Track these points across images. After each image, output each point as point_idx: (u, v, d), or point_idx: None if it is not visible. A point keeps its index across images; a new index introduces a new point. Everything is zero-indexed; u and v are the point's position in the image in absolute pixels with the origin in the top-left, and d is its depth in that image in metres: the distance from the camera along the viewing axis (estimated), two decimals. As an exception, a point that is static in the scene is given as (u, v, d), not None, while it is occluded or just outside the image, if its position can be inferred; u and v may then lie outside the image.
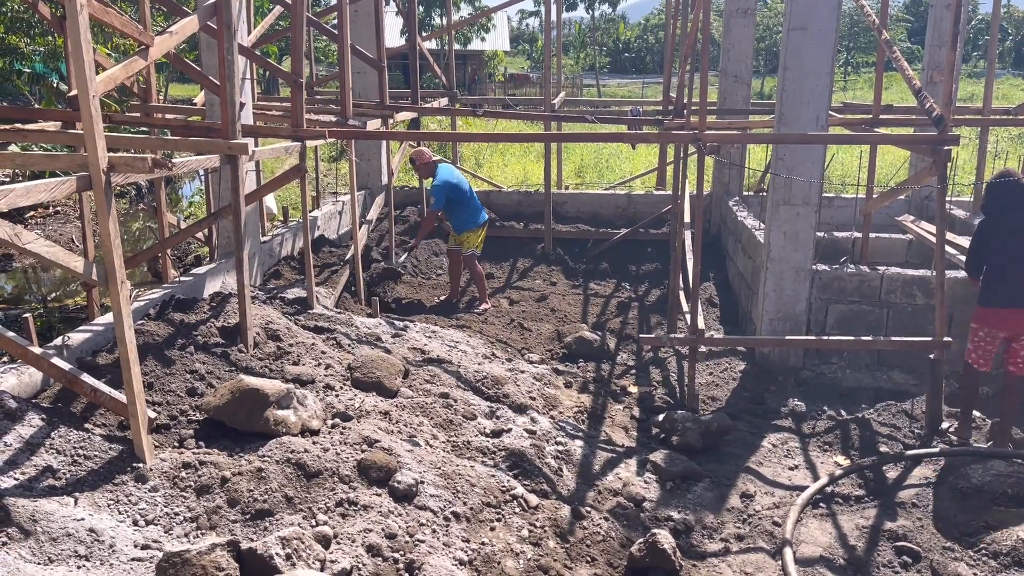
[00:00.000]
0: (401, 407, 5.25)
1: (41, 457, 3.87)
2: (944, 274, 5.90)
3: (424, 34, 21.27)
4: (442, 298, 8.71)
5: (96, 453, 4.02)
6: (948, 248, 6.77)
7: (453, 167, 8.82)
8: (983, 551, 4.27)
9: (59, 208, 13.14)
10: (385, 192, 9.63)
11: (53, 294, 9.73)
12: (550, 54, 11.67)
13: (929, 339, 5.98)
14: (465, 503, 4.25)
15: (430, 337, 6.87)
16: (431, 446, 4.83)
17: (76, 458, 3.95)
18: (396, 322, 7.15)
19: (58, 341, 4.89)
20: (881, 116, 8.19)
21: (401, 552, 3.72)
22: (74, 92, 5.61)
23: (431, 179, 8.48)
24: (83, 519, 3.50)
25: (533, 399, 5.98)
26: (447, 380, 5.90)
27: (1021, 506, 4.53)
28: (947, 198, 5.97)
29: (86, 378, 4.19)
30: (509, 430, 5.27)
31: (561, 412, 5.95)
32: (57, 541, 3.36)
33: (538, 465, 4.94)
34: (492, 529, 4.17)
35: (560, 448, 5.28)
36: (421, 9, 33.08)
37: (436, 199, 8.34)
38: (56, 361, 4.18)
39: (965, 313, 6.70)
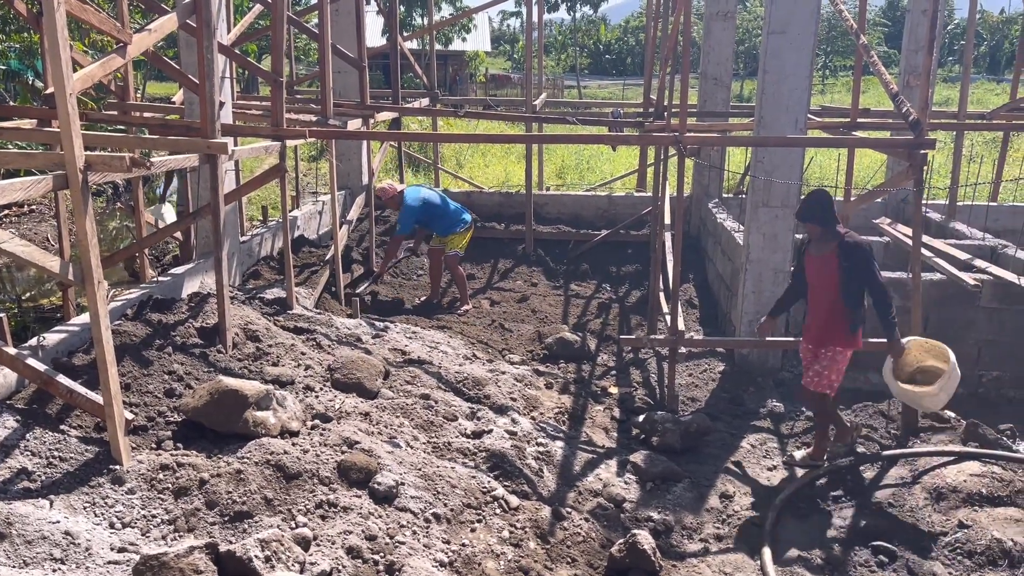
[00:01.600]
0: (381, 408, 5.23)
1: (16, 459, 3.82)
2: (920, 276, 5.96)
3: (405, 34, 21.21)
4: (423, 298, 8.69)
5: (72, 455, 3.97)
6: (924, 251, 6.85)
7: (419, 187, 8.79)
8: (958, 550, 4.33)
9: (34, 207, 12.97)
10: (365, 192, 9.59)
11: (28, 294, 9.60)
12: (531, 55, 11.68)
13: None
14: (446, 504, 4.25)
15: (411, 338, 6.86)
16: (412, 447, 4.82)
17: (52, 460, 3.90)
18: (376, 323, 7.12)
19: (33, 342, 4.82)
20: (859, 120, 8.28)
21: (381, 554, 3.70)
22: (50, 90, 5.55)
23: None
24: (59, 522, 3.46)
25: (514, 400, 5.98)
26: (428, 381, 5.89)
27: (995, 506, 4.60)
28: (923, 201, 6.04)
29: (62, 379, 4.15)
30: (490, 431, 5.27)
31: (542, 413, 5.96)
32: (32, 544, 3.31)
33: (519, 466, 4.94)
34: (473, 530, 4.17)
35: (541, 449, 5.28)
36: (402, 9, 33.00)
37: (401, 225, 8.40)
38: (31, 362, 4.13)
39: (941, 315, 6.79)
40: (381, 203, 10.94)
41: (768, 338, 6.73)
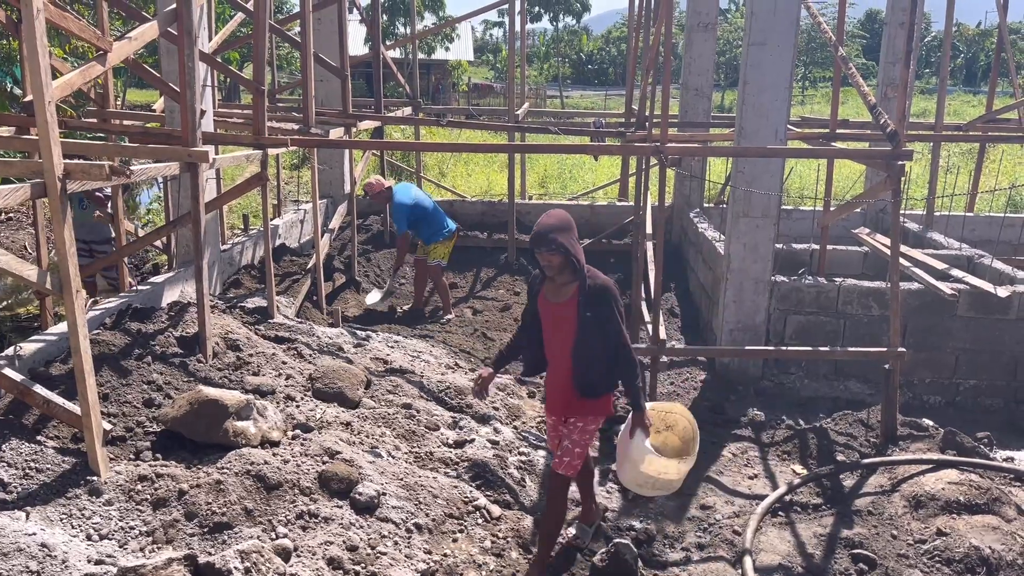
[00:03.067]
0: (363, 418, 5.21)
1: (-9, 470, 3.76)
2: (899, 286, 6.02)
3: (388, 43, 21.23)
4: (406, 308, 8.67)
5: (48, 466, 3.93)
6: (902, 260, 6.92)
7: (410, 186, 8.80)
8: (937, 558, 4.36)
9: (12, 215, 12.83)
10: (348, 201, 9.57)
11: (4, 302, 9.48)
12: (514, 65, 11.73)
13: (884, 349, 6.10)
14: (427, 514, 4.23)
15: (393, 347, 6.84)
16: (393, 457, 4.80)
17: (28, 471, 3.85)
18: (358, 332, 7.09)
19: (10, 351, 4.76)
20: (838, 131, 8.37)
21: (363, 564, 3.68)
22: (29, 97, 5.50)
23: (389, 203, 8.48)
24: (35, 534, 3.41)
25: (496, 409, 5.98)
26: (410, 390, 5.87)
27: (973, 513, 4.64)
28: (901, 211, 6.11)
29: (39, 389, 4.10)
30: (472, 440, 5.26)
31: (524, 422, 5.96)
32: (8, 556, 3.27)
33: (501, 476, 4.93)
34: (454, 540, 4.16)
35: (523, 458, 5.28)
36: (385, 18, 33.02)
37: (398, 224, 8.38)
38: (7, 372, 4.08)
39: (919, 324, 6.87)
40: (365, 208, 10.92)
41: (747, 347, 6.79)
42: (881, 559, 4.43)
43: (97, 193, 7.05)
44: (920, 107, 31.22)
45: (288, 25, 11.06)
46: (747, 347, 6.85)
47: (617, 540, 4.34)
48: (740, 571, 4.40)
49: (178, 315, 5.81)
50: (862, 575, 4.37)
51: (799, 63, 46.50)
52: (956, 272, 7.16)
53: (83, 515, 3.68)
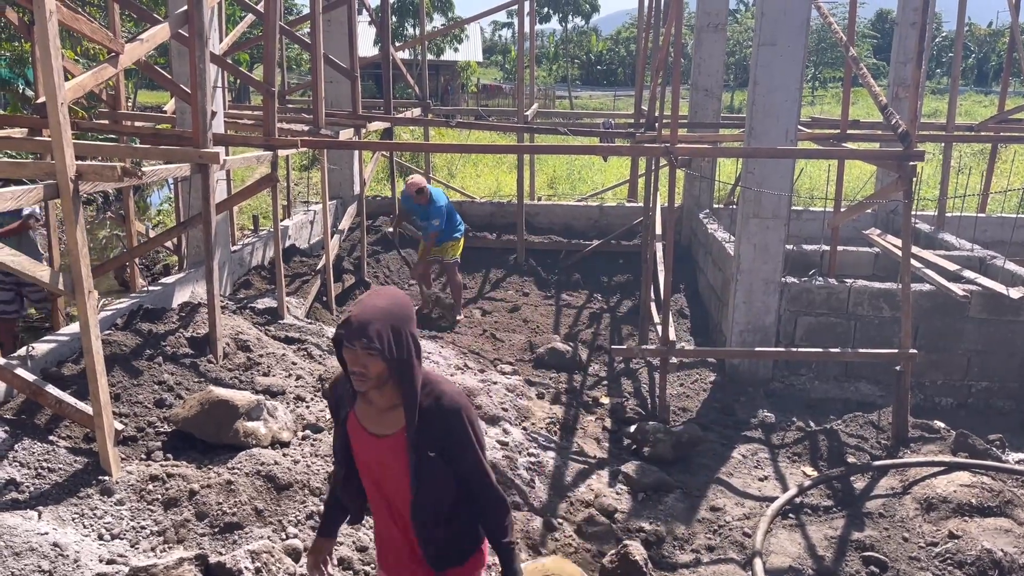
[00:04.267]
0: (373, 418, 5.21)
1: (4, 470, 3.79)
2: (910, 287, 5.99)
3: (397, 44, 21.25)
4: (414, 308, 8.67)
5: (61, 466, 3.95)
6: (914, 261, 6.89)
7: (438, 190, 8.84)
8: (948, 561, 4.34)
9: (24, 215, 12.88)
10: (357, 202, 9.59)
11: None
12: (523, 66, 11.72)
13: (895, 351, 6.08)
14: (437, 515, 4.23)
15: (402, 348, 6.84)
16: (403, 458, 4.80)
17: (40, 471, 3.87)
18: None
19: (22, 351, 4.80)
20: (848, 131, 8.33)
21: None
22: (42, 99, 5.53)
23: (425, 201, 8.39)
24: (47, 533, 3.43)
25: (505, 410, 5.97)
26: (419, 391, 5.87)
27: (985, 516, 4.61)
28: (912, 212, 6.08)
29: (51, 389, 4.12)
30: (481, 441, 5.25)
31: (533, 423, 5.96)
32: (20, 556, 3.29)
33: (510, 477, 4.93)
34: (464, 541, 4.15)
35: (532, 459, 5.28)
36: (394, 19, 33.06)
37: (440, 220, 8.30)
38: (20, 372, 4.11)
39: (930, 325, 6.83)
40: (375, 209, 10.94)
41: (757, 348, 6.77)
42: (892, 562, 4.41)
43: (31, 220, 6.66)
44: (931, 107, 31.09)
45: (298, 26, 11.10)
46: (757, 348, 6.83)
47: (627, 541, 4.33)
48: (750, 573, 4.39)
49: (189, 316, 5.84)
50: (873, 578, 4.35)
51: (809, 63, 46.34)
52: (968, 273, 7.12)
53: (95, 515, 3.70)
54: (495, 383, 6.45)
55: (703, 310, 8.96)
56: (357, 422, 2.52)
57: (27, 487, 3.75)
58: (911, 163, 5.84)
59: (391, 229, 10.17)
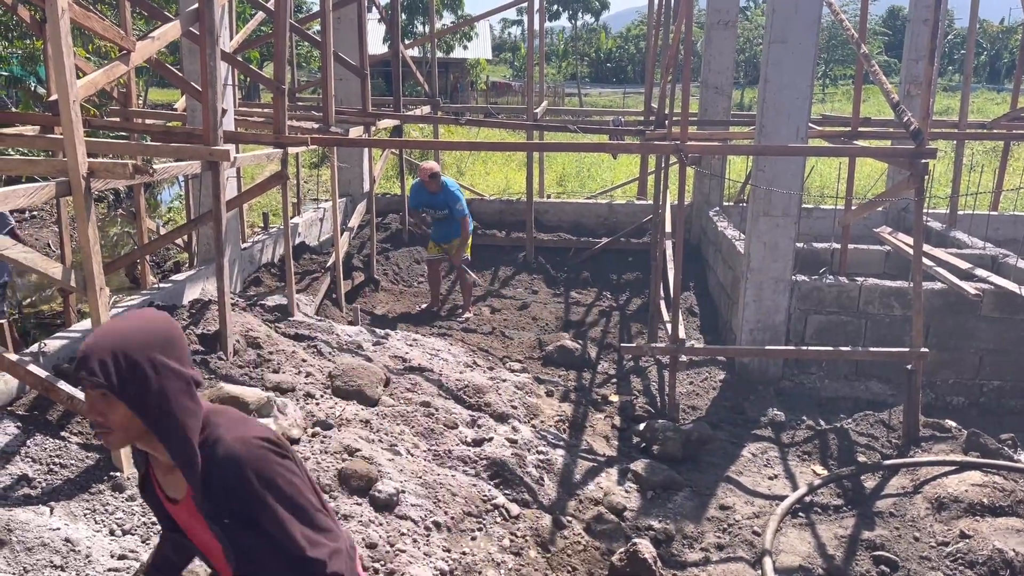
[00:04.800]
0: (382, 416, 5.23)
1: (16, 466, 3.81)
2: (921, 285, 5.96)
3: (407, 42, 21.27)
4: (423, 306, 8.70)
5: (72, 462, 3.97)
6: (925, 260, 6.85)
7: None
8: (959, 560, 4.32)
9: (35, 212, 12.99)
10: (367, 199, 9.61)
11: (28, 300, 9.60)
12: (532, 63, 11.71)
13: (906, 350, 6.05)
14: (446, 512, 4.24)
15: (411, 345, 6.85)
16: (412, 455, 4.81)
17: (52, 467, 3.89)
18: (377, 330, 7.12)
19: (35, 348, 4.82)
20: (859, 129, 8.29)
21: (382, 562, 3.70)
22: (54, 96, 5.55)
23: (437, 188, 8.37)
24: (59, 529, 3.45)
25: (515, 408, 5.98)
26: (428, 389, 5.89)
27: (997, 516, 4.59)
28: (924, 210, 6.04)
29: (63, 385, 4.14)
30: (491, 439, 5.26)
31: (543, 421, 5.96)
32: (32, 551, 3.31)
33: (519, 474, 4.93)
34: (473, 539, 4.16)
35: (541, 457, 5.28)
36: (404, 17, 33.07)
37: (464, 204, 8.31)
38: (32, 368, 4.13)
39: (942, 324, 6.79)
40: (384, 207, 10.95)
41: (767, 347, 6.75)
42: (903, 561, 4.39)
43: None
44: (943, 104, 30.89)
45: (308, 24, 11.11)
46: (767, 347, 6.81)
47: (636, 540, 4.32)
48: (760, 572, 4.38)
49: (199, 313, 5.86)
50: (883, 577, 4.33)
51: (820, 60, 46.11)
52: (980, 272, 7.08)
53: (106, 510, 3.72)
54: (504, 381, 6.46)
55: (713, 308, 8.94)
56: (157, 484, 2.01)
57: (39, 483, 3.77)
58: (923, 161, 5.81)
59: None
